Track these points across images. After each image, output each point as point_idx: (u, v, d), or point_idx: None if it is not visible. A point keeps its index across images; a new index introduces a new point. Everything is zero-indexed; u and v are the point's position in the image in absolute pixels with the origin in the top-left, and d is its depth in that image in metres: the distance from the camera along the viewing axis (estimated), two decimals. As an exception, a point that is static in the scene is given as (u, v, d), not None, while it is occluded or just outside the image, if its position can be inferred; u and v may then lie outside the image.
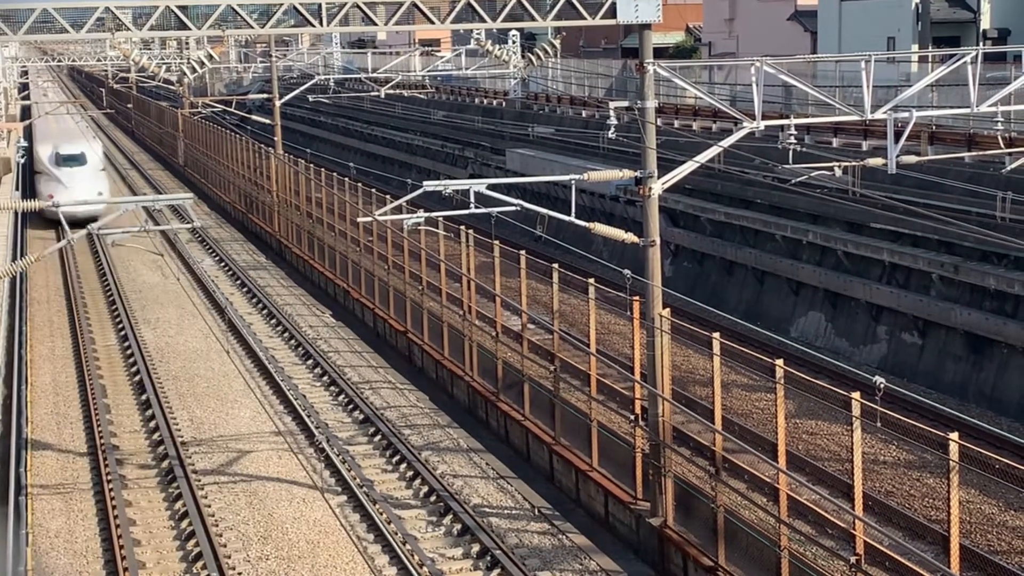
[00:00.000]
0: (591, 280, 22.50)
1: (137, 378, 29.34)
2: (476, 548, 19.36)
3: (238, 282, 41.00)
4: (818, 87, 25.40)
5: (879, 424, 14.72)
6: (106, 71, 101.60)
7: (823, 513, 18.72)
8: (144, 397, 27.72)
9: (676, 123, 42.83)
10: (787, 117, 23.25)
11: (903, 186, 28.81)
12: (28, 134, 54.91)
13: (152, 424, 25.86)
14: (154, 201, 22.70)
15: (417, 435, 25.05)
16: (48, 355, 32.03)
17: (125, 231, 23.09)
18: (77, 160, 48.59)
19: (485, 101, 62.52)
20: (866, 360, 29.48)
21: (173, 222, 49.07)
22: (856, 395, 15.34)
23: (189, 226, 23.01)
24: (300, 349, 31.99)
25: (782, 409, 16.85)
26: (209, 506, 21.23)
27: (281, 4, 18.09)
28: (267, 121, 54.77)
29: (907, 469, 21.59)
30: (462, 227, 27.88)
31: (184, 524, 20.49)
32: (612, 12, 18.23)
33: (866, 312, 30.13)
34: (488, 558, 19.00)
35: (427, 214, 22.74)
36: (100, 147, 52.79)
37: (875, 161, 21.55)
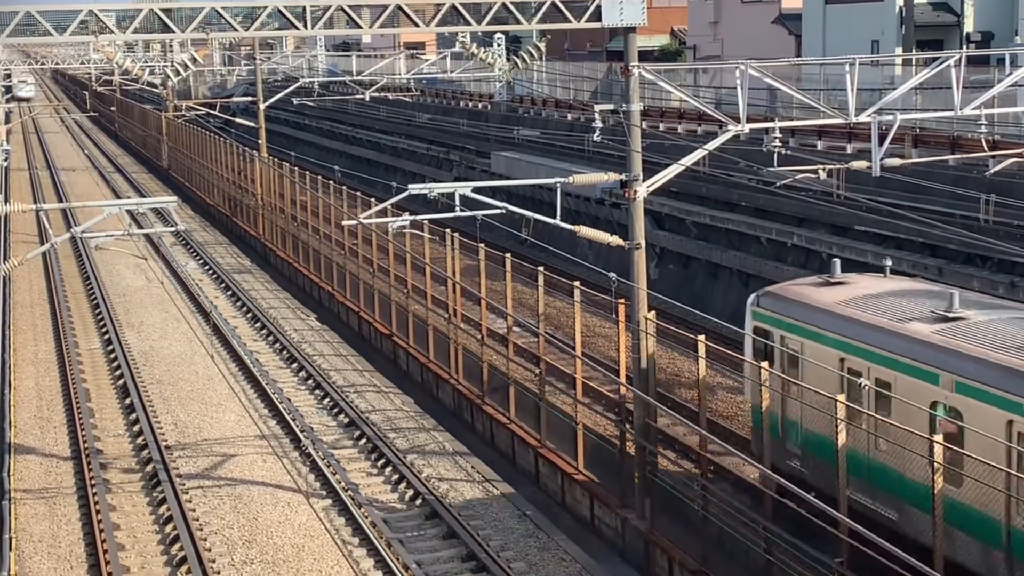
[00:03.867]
0: (576, 283, 22.50)
1: (121, 382, 29.23)
2: (462, 551, 19.33)
3: (222, 286, 40.89)
4: (803, 90, 25.40)
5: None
6: (90, 74, 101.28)
7: (806, 515, 18.70)
8: (128, 401, 27.63)
9: (661, 126, 42.85)
10: (772, 120, 23.26)
11: (887, 189, 28.87)
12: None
13: (136, 428, 25.77)
14: (138, 205, 22.64)
15: (402, 438, 25.01)
16: (32, 359, 31.89)
17: (109, 235, 22.97)
18: (25, 82, 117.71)
19: (470, 104, 62.49)
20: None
21: (157, 225, 48.94)
22: (841, 398, 15.39)
23: (173, 229, 22.94)
24: (285, 353, 31.91)
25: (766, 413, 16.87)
26: (194, 510, 21.15)
27: (265, 7, 18.05)
28: (251, 124, 54.67)
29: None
30: (447, 230, 27.86)
31: (168, 528, 20.41)
32: (597, 15, 18.23)
33: (851, 315, 30.14)
34: (474, 562, 18.97)
35: (412, 217, 22.72)
36: (33, 79, 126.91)
37: (859, 164, 21.55)
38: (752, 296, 19.76)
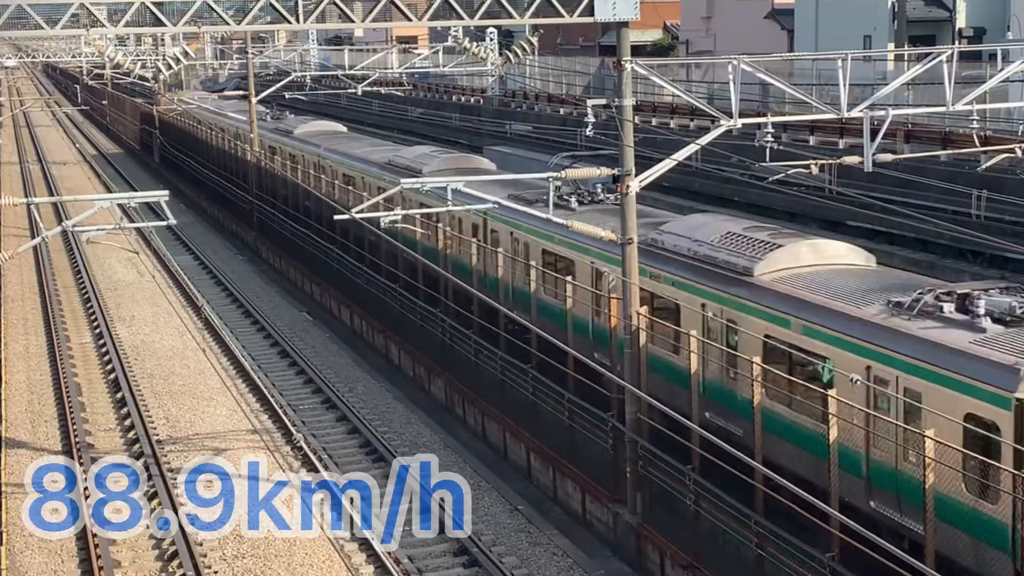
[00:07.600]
0: (568, 277, 22.49)
1: (112, 376, 29.18)
2: (454, 546, 19.32)
3: (214, 279, 40.82)
4: (795, 85, 25.42)
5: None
6: (81, 67, 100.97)
7: (800, 511, 18.71)
8: (119, 395, 27.57)
9: (654, 121, 42.84)
10: (764, 115, 23.27)
11: (879, 184, 28.89)
12: None
13: (127, 422, 25.72)
14: (129, 198, 22.54)
15: (394, 433, 24.99)
16: (22, 353, 31.81)
17: (100, 228, 22.89)
18: (9, 58, 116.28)
19: (463, 98, 62.44)
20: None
21: (148, 219, 48.81)
22: (832, 392, 15.39)
23: (164, 224, 22.82)
24: (277, 347, 31.87)
25: (759, 407, 16.89)
26: (184, 504, 21.10)
27: (257, 1, 18.00)
28: (243, 118, 54.51)
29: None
30: (439, 224, 27.83)
31: (160, 523, 20.37)
32: (590, 10, 18.21)
33: (842, 310, 30.16)
34: (465, 556, 18.97)
35: (404, 211, 22.69)
36: (14, 60, 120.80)
37: (852, 159, 21.55)
38: None
